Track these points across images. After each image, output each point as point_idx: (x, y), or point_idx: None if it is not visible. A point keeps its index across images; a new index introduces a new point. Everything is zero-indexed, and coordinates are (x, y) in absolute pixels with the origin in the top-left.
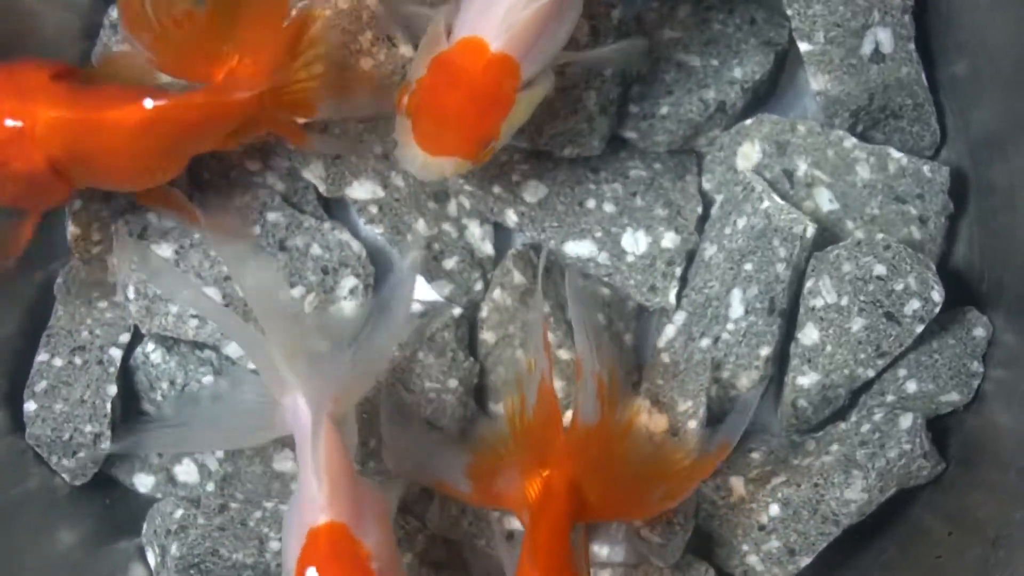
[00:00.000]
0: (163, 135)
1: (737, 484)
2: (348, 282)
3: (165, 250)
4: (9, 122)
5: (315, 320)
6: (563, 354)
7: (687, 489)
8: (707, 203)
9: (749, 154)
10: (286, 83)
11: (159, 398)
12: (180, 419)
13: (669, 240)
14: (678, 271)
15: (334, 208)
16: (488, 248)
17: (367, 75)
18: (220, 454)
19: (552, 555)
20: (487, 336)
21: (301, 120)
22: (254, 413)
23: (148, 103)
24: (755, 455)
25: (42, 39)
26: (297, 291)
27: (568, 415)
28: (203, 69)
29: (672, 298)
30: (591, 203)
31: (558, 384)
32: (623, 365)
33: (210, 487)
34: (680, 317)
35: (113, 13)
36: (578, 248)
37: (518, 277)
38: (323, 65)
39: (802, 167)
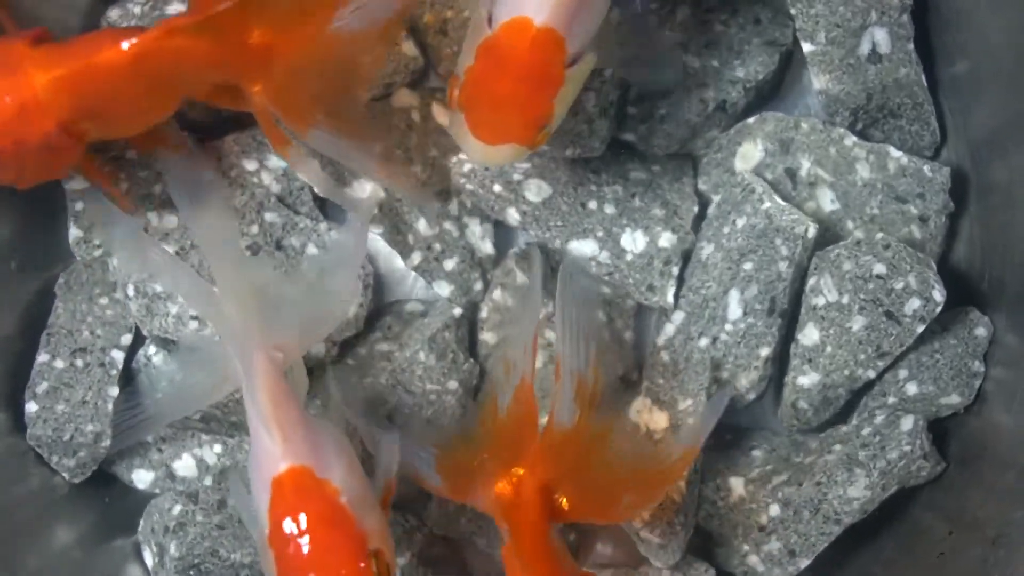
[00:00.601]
0: (154, 70)
1: (737, 484)
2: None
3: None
4: (10, 99)
5: (264, 270)
6: None
7: (660, 492)
8: (703, 203)
9: (750, 153)
10: (292, 86)
11: (160, 397)
12: (151, 399)
13: (666, 240)
14: (675, 270)
15: (331, 209)
16: (488, 247)
17: (368, 107)
18: (218, 448)
19: (539, 560)
20: (487, 337)
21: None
22: (212, 370)
23: (134, 40)
24: (756, 453)
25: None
26: None
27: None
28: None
29: (670, 297)
30: (592, 204)
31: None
32: (617, 364)
33: (208, 481)
34: (679, 316)
35: (112, 14)
36: (581, 247)
37: (520, 277)
38: (339, 87)
39: (805, 165)
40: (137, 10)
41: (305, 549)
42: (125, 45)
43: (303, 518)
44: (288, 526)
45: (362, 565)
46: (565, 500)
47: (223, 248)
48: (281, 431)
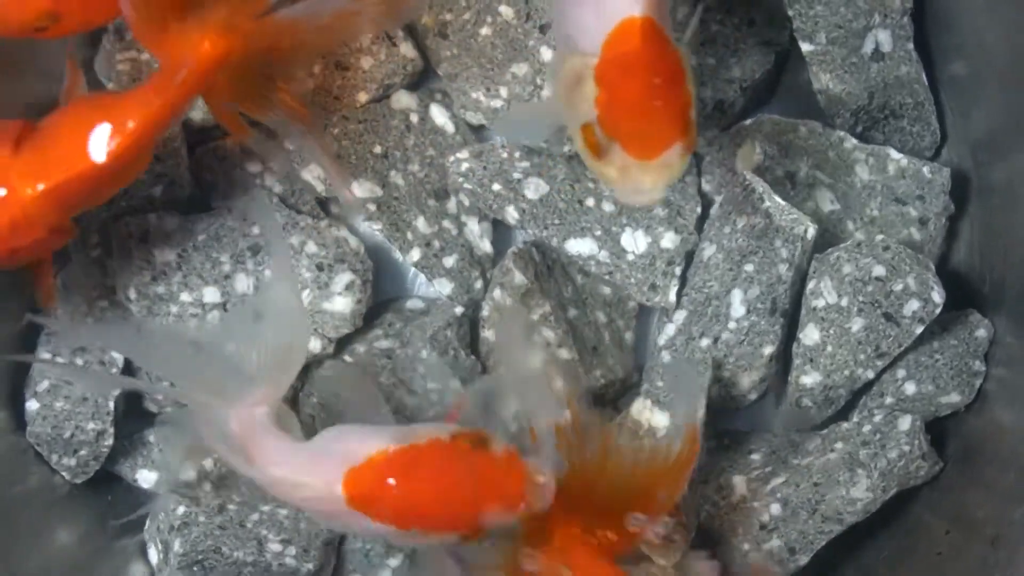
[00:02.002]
0: (136, 151)
1: (739, 483)
2: (344, 278)
3: (168, 254)
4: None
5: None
6: (564, 353)
7: (680, 487)
8: (706, 203)
9: (749, 155)
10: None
11: (160, 397)
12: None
13: (669, 240)
14: (678, 270)
15: (332, 208)
16: (487, 246)
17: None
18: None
19: None
20: (488, 335)
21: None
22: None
23: (117, 141)
24: (756, 456)
25: (44, 47)
26: None
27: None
28: (166, 43)
29: (672, 297)
30: (590, 201)
31: (558, 382)
32: (617, 366)
33: (207, 487)
34: (680, 316)
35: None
36: (579, 246)
37: (519, 277)
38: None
39: (803, 168)
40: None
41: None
42: (104, 155)
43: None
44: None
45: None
46: (610, 532)
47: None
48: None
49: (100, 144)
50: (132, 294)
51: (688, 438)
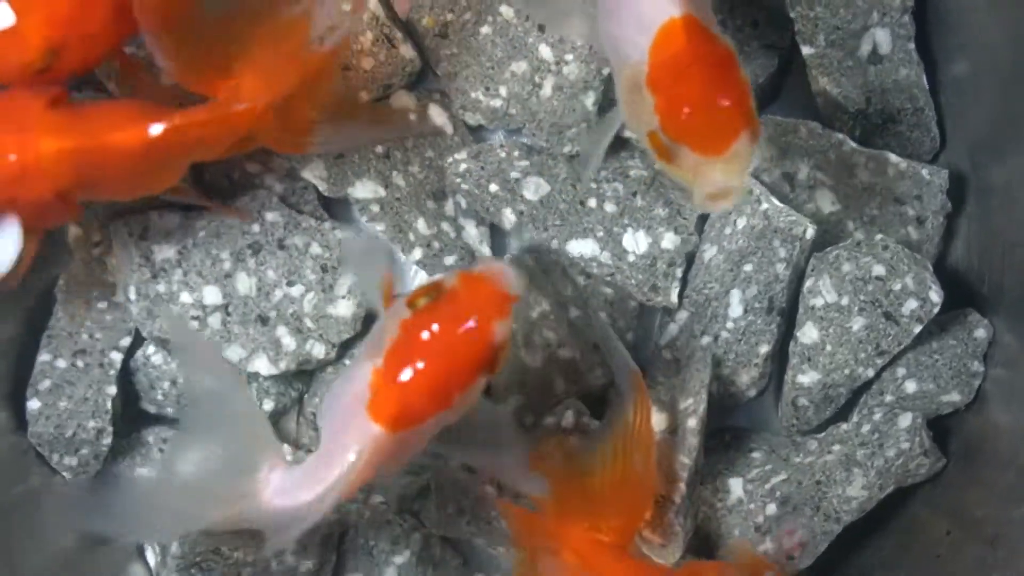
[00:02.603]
0: (164, 154)
1: (736, 485)
2: (347, 280)
3: (167, 251)
4: (14, 158)
5: None
6: (565, 352)
7: (647, 441)
8: None
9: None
10: (289, 111)
11: (159, 398)
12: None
13: (669, 241)
14: (679, 271)
15: (335, 208)
16: (485, 251)
17: (366, 107)
18: None
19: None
20: None
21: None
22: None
23: (151, 129)
24: (756, 455)
25: None
26: (296, 290)
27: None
28: (209, 82)
29: (674, 297)
30: (592, 202)
31: (559, 382)
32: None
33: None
34: (682, 316)
35: None
36: (581, 247)
37: None
38: (329, 100)
39: (804, 169)
40: None
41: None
42: (144, 129)
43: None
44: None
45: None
46: (611, 522)
47: None
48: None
49: (132, 127)
50: (132, 294)
51: (635, 386)
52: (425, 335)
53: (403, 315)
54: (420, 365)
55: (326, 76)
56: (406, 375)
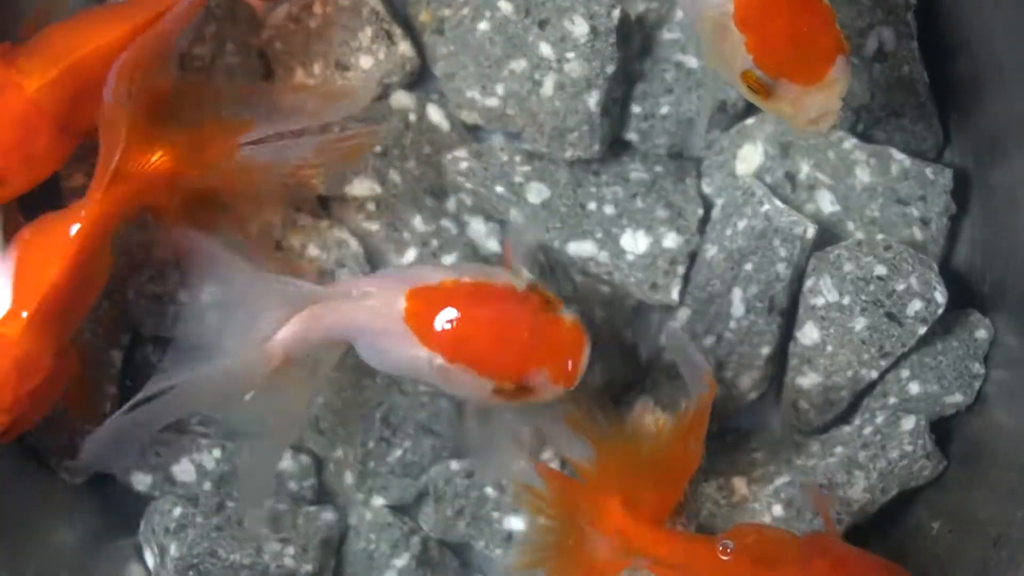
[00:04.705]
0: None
1: (740, 484)
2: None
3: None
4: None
5: None
6: None
7: (703, 430)
8: (708, 206)
9: (750, 156)
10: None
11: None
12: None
13: (671, 240)
14: (680, 269)
15: (331, 205)
16: (494, 245)
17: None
18: (217, 453)
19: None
20: None
21: None
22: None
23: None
24: (758, 455)
25: None
26: None
27: None
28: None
29: (675, 295)
30: (592, 205)
31: None
32: (618, 365)
33: (207, 486)
34: (684, 314)
35: None
36: (579, 248)
37: (525, 274)
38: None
39: (804, 169)
40: None
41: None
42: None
43: None
44: None
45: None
46: (650, 496)
47: None
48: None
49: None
50: (130, 294)
51: (704, 380)
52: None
53: (516, 283)
54: (477, 315)
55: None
56: (457, 307)
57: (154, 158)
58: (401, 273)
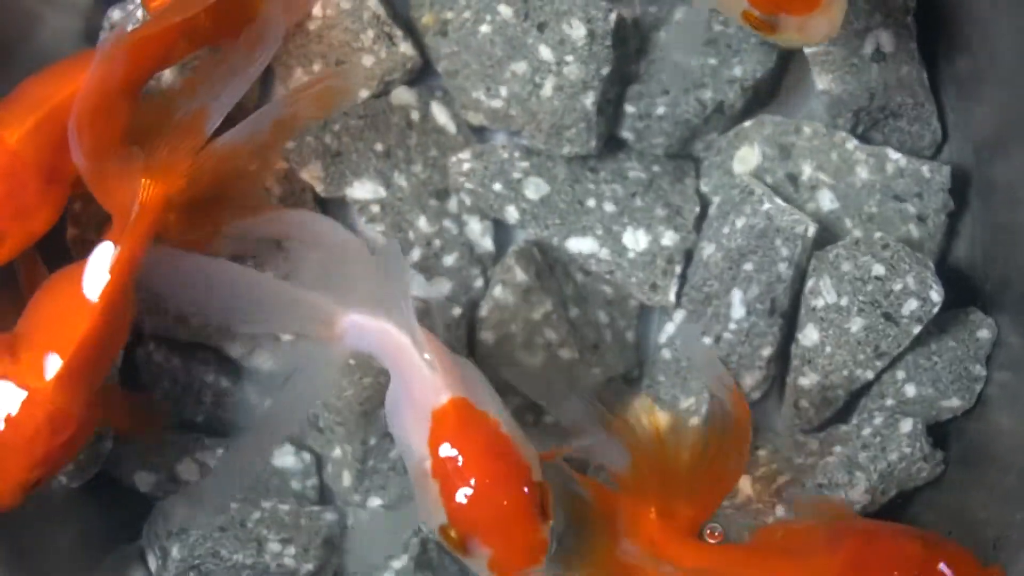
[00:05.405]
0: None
1: (744, 484)
2: None
3: None
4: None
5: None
6: (565, 353)
7: (746, 449)
8: (704, 203)
9: (748, 157)
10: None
11: (159, 398)
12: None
13: (669, 238)
14: (678, 268)
15: (333, 209)
16: (488, 244)
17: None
18: (220, 452)
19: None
20: (486, 336)
21: None
22: (312, 362)
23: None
24: (761, 453)
25: (40, 43)
26: None
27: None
28: (113, 193)
29: (672, 296)
30: (591, 202)
31: None
32: (619, 363)
33: None
34: (680, 315)
35: (114, 14)
36: (580, 245)
37: (520, 275)
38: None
39: (807, 171)
40: (139, 13)
41: (473, 477)
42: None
43: (470, 447)
44: (455, 455)
45: (526, 490)
46: (684, 507)
47: None
48: (441, 363)
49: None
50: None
51: (734, 399)
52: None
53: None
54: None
55: (248, 178)
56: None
57: (143, 192)
58: (460, 369)
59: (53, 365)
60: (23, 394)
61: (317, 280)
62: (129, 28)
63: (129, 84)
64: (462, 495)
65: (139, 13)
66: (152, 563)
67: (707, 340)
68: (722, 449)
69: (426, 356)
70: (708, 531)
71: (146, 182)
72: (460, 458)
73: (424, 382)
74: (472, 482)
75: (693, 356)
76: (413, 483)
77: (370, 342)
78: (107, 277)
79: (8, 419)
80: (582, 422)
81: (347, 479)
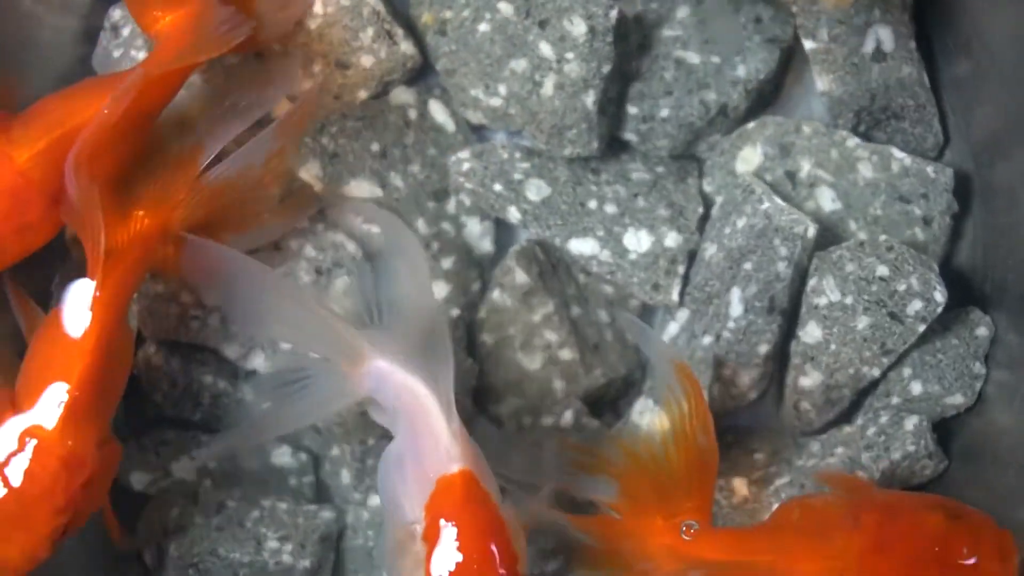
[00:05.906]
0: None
1: (740, 485)
2: (342, 283)
3: None
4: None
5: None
6: (566, 354)
7: (709, 425)
8: (708, 204)
9: (750, 158)
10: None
11: (159, 399)
12: (262, 407)
13: (672, 239)
14: (681, 269)
15: (328, 208)
16: (487, 245)
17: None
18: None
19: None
20: (486, 338)
21: None
22: (326, 387)
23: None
24: (758, 455)
25: (40, 43)
26: None
27: None
28: (110, 229)
29: (675, 296)
30: (592, 203)
31: (558, 383)
32: (619, 364)
33: (208, 483)
34: (683, 315)
35: (114, 14)
36: (581, 246)
37: (520, 276)
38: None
39: (805, 168)
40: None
41: (464, 553)
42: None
43: (469, 521)
44: (451, 525)
45: None
46: (687, 514)
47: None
48: (461, 433)
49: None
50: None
51: (680, 374)
52: None
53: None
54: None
55: (251, 204)
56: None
57: (135, 224)
58: (473, 446)
59: (56, 410)
60: (33, 443)
61: (364, 305)
62: (141, 56)
63: (140, 119)
64: (449, 565)
65: None
66: (149, 560)
67: (708, 339)
68: (688, 432)
69: (453, 425)
70: (684, 528)
71: (139, 214)
72: (456, 530)
73: (438, 447)
74: (461, 557)
75: (636, 337)
76: (389, 541)
77: (389, 393)
78: (88, 314)
79: (24, 472)
80: (558, 474)
81: (346, 477)
